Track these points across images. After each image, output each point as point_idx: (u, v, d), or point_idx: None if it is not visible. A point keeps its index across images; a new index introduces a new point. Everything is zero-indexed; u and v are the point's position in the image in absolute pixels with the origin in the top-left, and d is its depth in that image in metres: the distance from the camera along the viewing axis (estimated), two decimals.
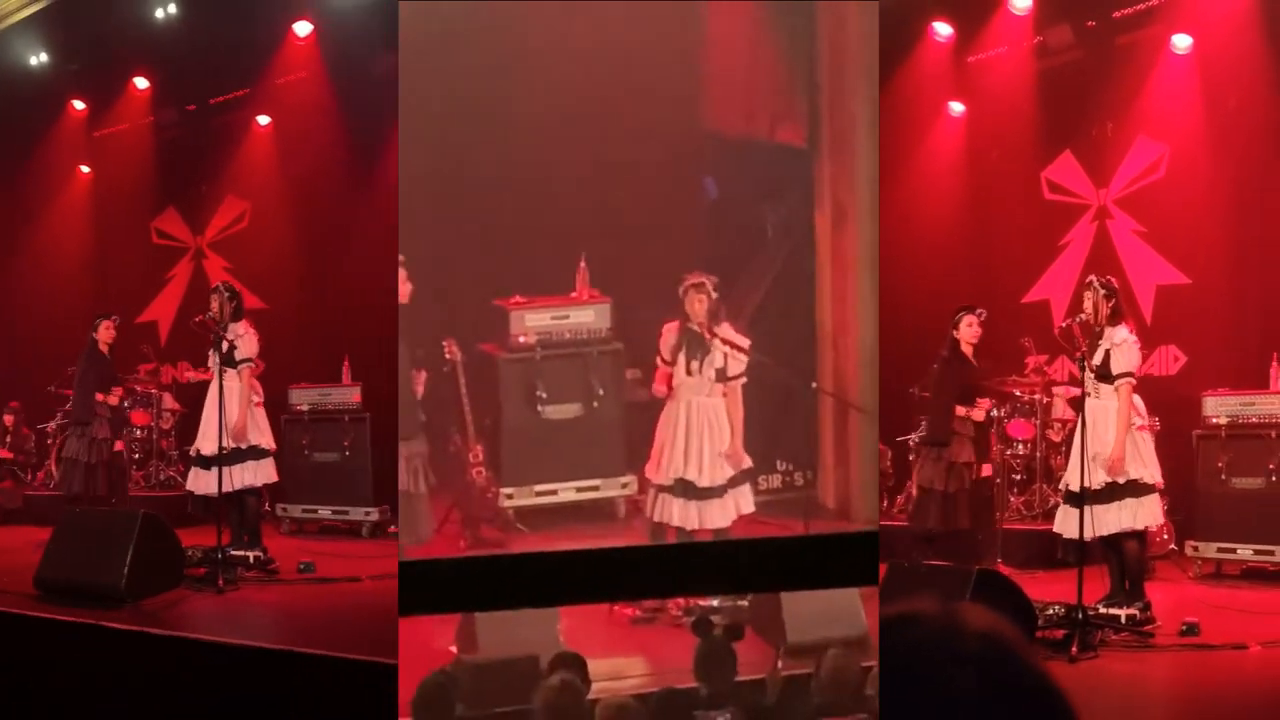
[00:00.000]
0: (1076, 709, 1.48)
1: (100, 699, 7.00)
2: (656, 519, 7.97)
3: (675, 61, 9.66)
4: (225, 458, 9.23)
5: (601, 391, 9.15)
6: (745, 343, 7.99)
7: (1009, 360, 10.56)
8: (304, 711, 6.41)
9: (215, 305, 9.70)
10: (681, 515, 7.87)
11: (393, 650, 6.18)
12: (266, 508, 10.31)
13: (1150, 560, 8.38)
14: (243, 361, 9.58)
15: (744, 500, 7.99)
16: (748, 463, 8.02)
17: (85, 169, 16.14)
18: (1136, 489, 7.52)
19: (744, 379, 8.00)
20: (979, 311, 8.72)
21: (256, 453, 9.64)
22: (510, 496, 9.08)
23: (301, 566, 9.45)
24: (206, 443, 9.51)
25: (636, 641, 6.97)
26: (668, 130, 9.58)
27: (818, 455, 9.41)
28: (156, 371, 13.51)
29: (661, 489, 7.95)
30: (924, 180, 12.24)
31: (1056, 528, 7.79)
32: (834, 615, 6.65)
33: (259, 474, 9.67)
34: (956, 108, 12.49)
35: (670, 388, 8.04)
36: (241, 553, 9.31)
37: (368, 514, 11.56)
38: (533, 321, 9.27)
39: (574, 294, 9.37)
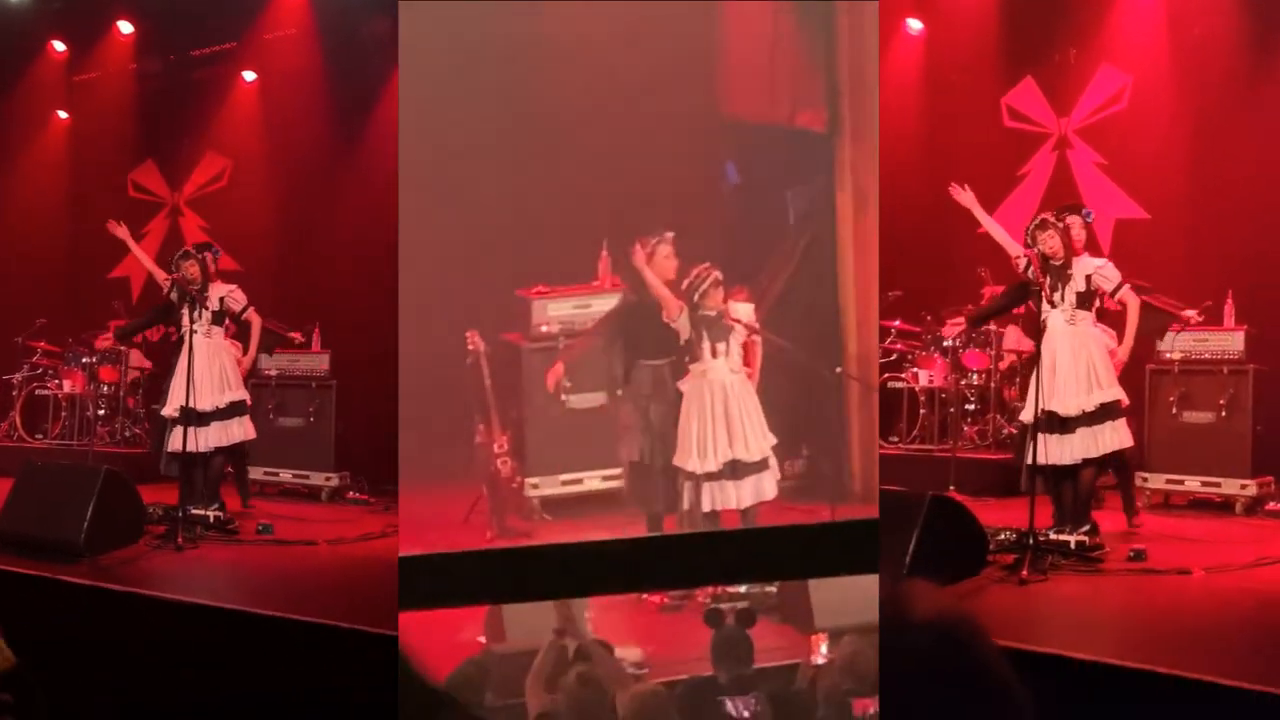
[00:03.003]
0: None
1: (55, 652, 6.66)
2: (711, 508, 7.47)
3: (694, 47, 9.32)
4: (218, 413, 9.13)
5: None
6: (746, 309, 7.70)
7: (966, 290, 10.09)
8: (257, 669, 6.23)
9: (196, 269, 9.28)
10: (738, 496, 7.48)
11: (344, 615, 6.19)
12: (228, 468, 9.96)
13: (1100, 490, 8.16)
14: (244, 309, 9.37)
15: (777, 469, 7.66)
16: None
17: (63, 115, 15.34)
18: (1120, 409, 7.44)
19: (756, 335, 7.66)
20: (1085, 212, 7.97)
21: (245, 408, 9.40)
22: (536, 486, 8.87)
23: (260, 528, 9.17)
24: (201, 399, 9.10)
25: (665, 629, 6.72)
26: (688, 116, 9.25)
27: (843, 440, 9.14)
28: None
29: (710, 477, 7.47)
30: (880, 100, 11.60)
31: (1033, 458, 7.30)
32: (860, 600, 6.43)
33: (245, 429, 9.43)
34: (914, 25, 11.74)
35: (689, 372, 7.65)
36: (201, 511, 9.02)
37: (328, 479, 11.26)
38: (555, 311, 9.07)
39: (596, 282, 9.13)
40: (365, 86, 12.87)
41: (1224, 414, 9.05)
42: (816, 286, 9.14)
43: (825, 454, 9.07)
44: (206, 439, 9.15)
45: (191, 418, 8.96)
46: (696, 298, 7.51)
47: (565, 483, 8.91)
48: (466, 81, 9.27)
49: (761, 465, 7.49)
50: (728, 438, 7.46)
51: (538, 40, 9.22)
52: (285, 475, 11.27)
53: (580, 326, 8.94)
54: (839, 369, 8.50)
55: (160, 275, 9.67)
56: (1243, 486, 8.93)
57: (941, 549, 6.27)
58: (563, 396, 8.84)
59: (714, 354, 7.55)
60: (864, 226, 9.03)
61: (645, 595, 6.91)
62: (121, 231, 9.86)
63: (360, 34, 12.81)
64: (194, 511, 8.93)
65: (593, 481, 8.95)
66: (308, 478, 11.32)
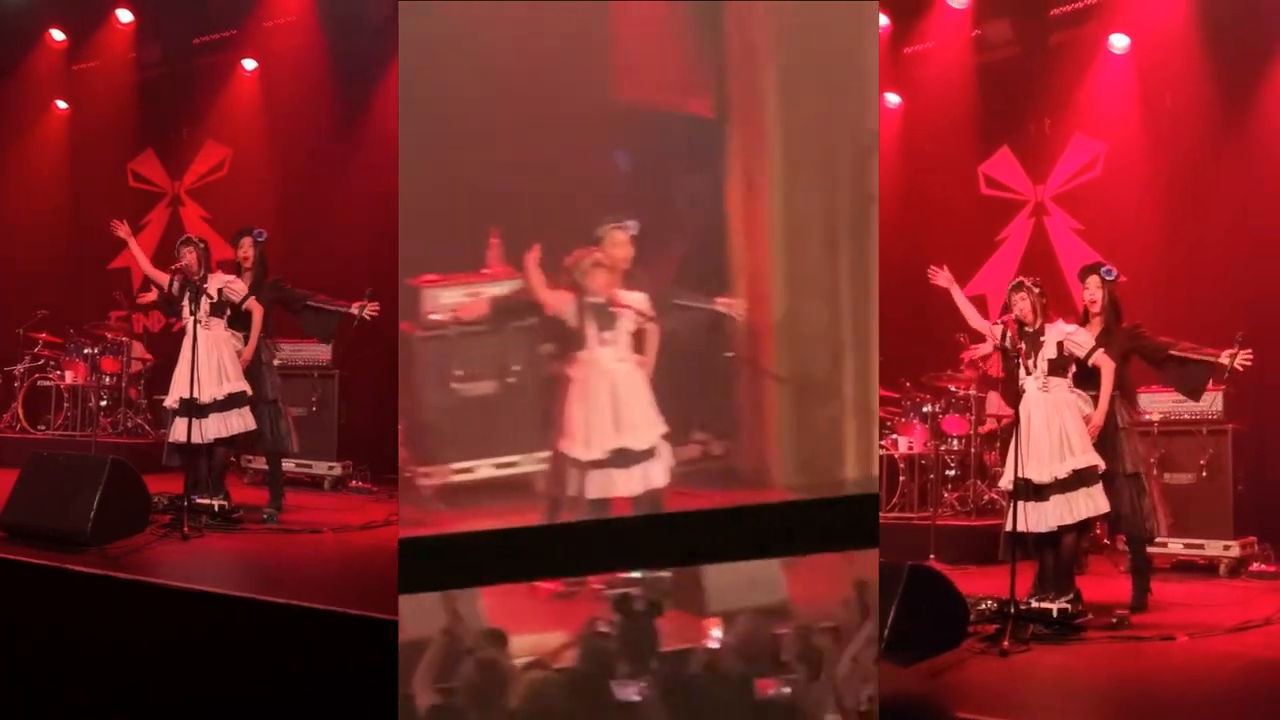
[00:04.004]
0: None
1: (62, 641, 6.77)
2: (596, 496, 7.28)
3: (583, 33, 9.00)
4: (215, 405, 8.97)
5: (517, 367, 8.66)
6: (639, 296, 7.46)
7: (944, 355, 10.18)
8: (264, 656, 6.25)
9: (193, 257, 9.12)
10: (626, 484, 7.28)
11: (351, 602, 6.19)
12: (232, 458, 9.91)
13: (1083, 554, 7.98)
14: (244, 299, 9.19)
15: (669, 458, 7.48)
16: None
17: (62, 104, 14.92)
18: (1095, 476, 7.28)
19: (650, 322, 7.47)
20: (1105, 270, 7.78)
21: (245, 399, 9.22)
22: (427, 475, 8.58)
23: (265, 517, 9.17)
24: (200, 391, 8.92)
25: (558, 616, 6.50)
26: (578, 103, 8.92)
27: (735, 425, 8.98)
28: (128, 319, 12.95)
29: (596, 464, 7.28)
30: None
31: (1011, 525, 7.28)
32: (754, 583, 6.38)
33: (245, 420, 9.24)
34: (892, 99, 11.86)
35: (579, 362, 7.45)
36: (206, 501, 8.95)
37: (331, 468, 11.26)
38: (446, 299, 8.76)
39: (486, 270, 8.90)
40: (365, 74, 12.70)
41: (1205, 475, 8.94)
42: (708, 272, 8.88)
43: (717, 439, 8.92)
44: (206, 430, 9.01)
45: (192, 409, 8.84)
46: (578, 276, 7.31)
47: (457, 471, 8.63)
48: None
49: (649, 454, 7.27)
50: (614, 426, 7.24)
51: (431, 30, 8.83)
52: (288, 464, 10.99)
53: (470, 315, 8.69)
54: (730, 354, 8.47)
55: (160, 277, 9.47)
56: (1225, 548, 8.81)
57: (921, 621, 6.04)
58: (454, 385, 8.68)
59: (601, 342, 7.34)
60: (754, 212, 8.89)
61: (538, 582, 6.64)
62: (123, 230, 9.69)
63: (360, 21, 12.64)
64: (199, 501, 8.84)
65: (485, 470, 8.68)
66: (311, 467, 11.23)
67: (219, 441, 9.16)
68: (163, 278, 9.39)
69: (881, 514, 9.94)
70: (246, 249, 9.45)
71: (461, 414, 8.64)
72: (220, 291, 9.17)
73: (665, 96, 9.27)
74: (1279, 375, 9.40)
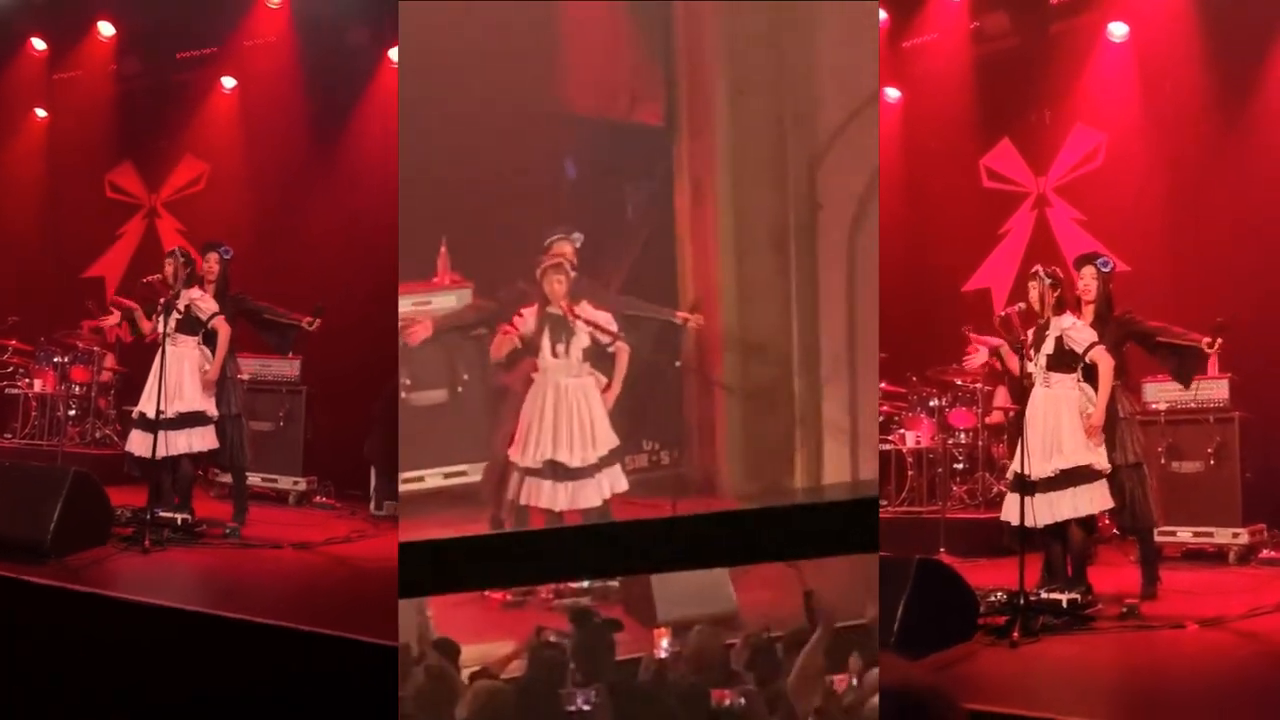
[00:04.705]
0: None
1: (19, 652, 6.52)
2: (524, 502, 7.30)
3: (531, 40, 8.95)
4: (173, 421, 8.70)
5: (466, 377, 8.60)
6: (606, 318, 7.46)
7: (950, 350, 9.73)
8: (220, 671, 6.04)
9: (170, 270, 8.88)
10: (550, 497, 7.26)
11: (308, 618, 6.05)
12: (199, 471, 9.58)
13: (1093, 545, 7.88)
14: (211, 317, 8.90)
15: (616, 480, 7.42)
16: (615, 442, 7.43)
17: (41, 113, 14.64)
18: (1086, 475, 7.10)
19: (621, 343, 7.47)
20: (1101, 261, 7.60)
21: (204, 419, 8.91)
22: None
23: (227, 531, 8.88)
24: (151, 404, 8.68)
25: (507, 625, 6.40)
26: (525, 110, 8.86)
27: (684, 433, 9.00)
28: (100, 329, 12.62)
29: (529, 472, 7.30)
30: None
31: (1005, 516, 7.28)
32: (703, 593, 6.37)
33: (190, 440, 8.90)
34: (892, 93, 11.68)
35: (535, 369, 7.44)
36: (169, 514, 8.65)
37: (296, 483, 11.06)
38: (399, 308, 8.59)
39: (435, 279, 8.81)
40: (342, 95, 12.60)
41: (1212, 463, 8.85)
42: (656, 280, 8.90)
43: (666, 448, 8.95)
44: (158, 446, 8.69)
45: (148, 424, 8.65)
46: (539, 276, 7.34)
47: (407, 480, 8.56)
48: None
49: (584, 473, 7.29)
50: (551, 439, 7.28)
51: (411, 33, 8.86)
52: (254, 479, 10.75)
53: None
54: (678, 363, 8.43)
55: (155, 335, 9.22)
56: (1235, 535, 8.72)
57: (931, 615, 6.00)
58: (403, 395, 8.59)
59: (554, 354, 7.36)
60: (701, 219, 8.90)
61: (487, 592, 6.65)
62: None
63: (338, 43, 12.53)
64: (161, 514, 8.57)
65: (434, 479, 8.66)
66: (276, 481, 11.07)
67: (182, 456, 8.89)
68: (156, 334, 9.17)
69: (891, 508, 9.94)
70: (212, 263, 9.24)
71: (410, 424, 8.54)
72: (187, 308, 8.92)
73: (614, 105, 9.22)
74: None
